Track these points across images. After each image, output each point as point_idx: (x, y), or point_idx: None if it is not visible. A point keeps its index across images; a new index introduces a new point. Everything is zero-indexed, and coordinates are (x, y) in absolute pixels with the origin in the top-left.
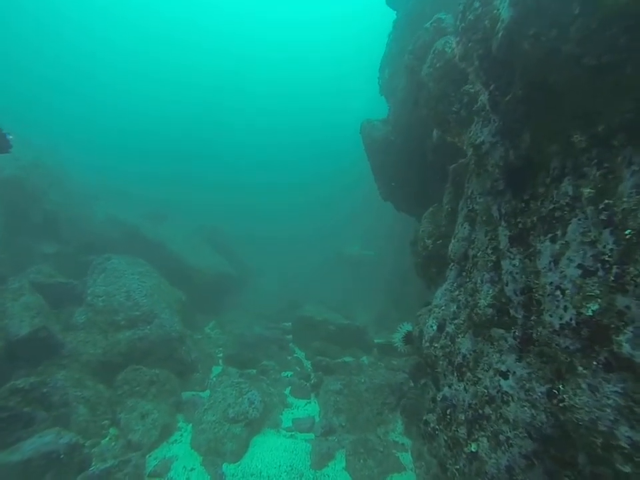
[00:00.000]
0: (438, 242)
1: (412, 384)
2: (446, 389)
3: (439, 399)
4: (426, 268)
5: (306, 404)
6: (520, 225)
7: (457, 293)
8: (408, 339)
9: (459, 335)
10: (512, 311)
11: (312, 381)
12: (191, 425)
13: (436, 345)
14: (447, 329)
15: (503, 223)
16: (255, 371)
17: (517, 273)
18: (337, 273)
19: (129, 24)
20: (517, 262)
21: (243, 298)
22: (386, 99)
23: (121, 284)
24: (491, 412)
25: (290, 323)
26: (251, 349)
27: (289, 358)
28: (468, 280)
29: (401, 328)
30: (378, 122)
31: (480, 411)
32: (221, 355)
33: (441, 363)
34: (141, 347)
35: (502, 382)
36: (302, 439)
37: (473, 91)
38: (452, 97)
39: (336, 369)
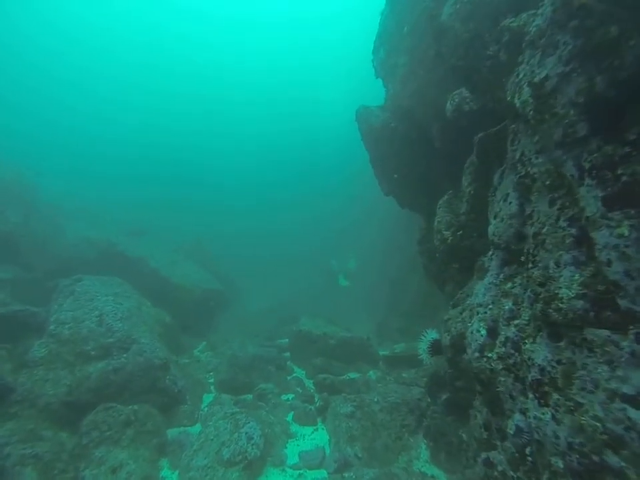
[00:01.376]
0: (458, 233)
1: (429, 399)
2: (517, 416)
3: (510, 432)
4: (445, 265)
5: (313, 432)
6: (624, 178)
7: (509, 285)
8: (435, 348)
9: (526, 341)
10: (623, 302)
11: (317, 404)
12: (177, 472)
13: (490, 356)
14: (504, 333)
15: (588, 181)
16: (251, 396)
17: (628, 246)
18: (328, 287)
19: (98, 44)
20: (625, 230)
21: (234, 316)
22: (383, 81)
23: (92, 307)
24: (621, 462)
25: (286, 340)
26: (245, 372)
27: (289, 378)
28: (531, 266)
29: (424, 336)
30: (375, 108)
31: (595, 458)
32: (212, 380)
33: (502, 379)
34: (116, 379)
35: (630, 412)
36: (312, 479)
37: (516, 24)
38: (486, 37)
39: (342, 387)
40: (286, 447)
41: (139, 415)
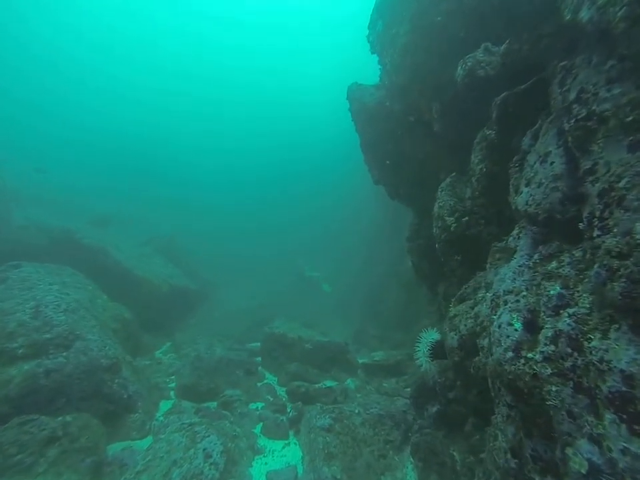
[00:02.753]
0: (463, 219)
1: (414, 412)
2: (585, 445)
3: (576, 468)
4: (446, 256)
5: (284, 447)
6: None
7: (553, 265)
8: (437, 351)
9: (591, 336)
10: None
11: (289, 414)
12: None
13: (531, 356)
14: (551, 325)
15: None
16: (215, 403)
17: None
18: (304, 293)
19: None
20: None
21: (205, 316)
22: (379, 57)
23: (28, 297)
24: None
25: (258, 344)
26: (210, 376)
27: (259, 385)
28: (598, 234)
29: (423, 337)
30: (369, 86)
31: None
32: (173, 385)
33: (554, 389)
34: (48, 384)
35: None
36: None
37: None
38: None
39: (317, 396)
40: (252, 466)
41: (70, 428)
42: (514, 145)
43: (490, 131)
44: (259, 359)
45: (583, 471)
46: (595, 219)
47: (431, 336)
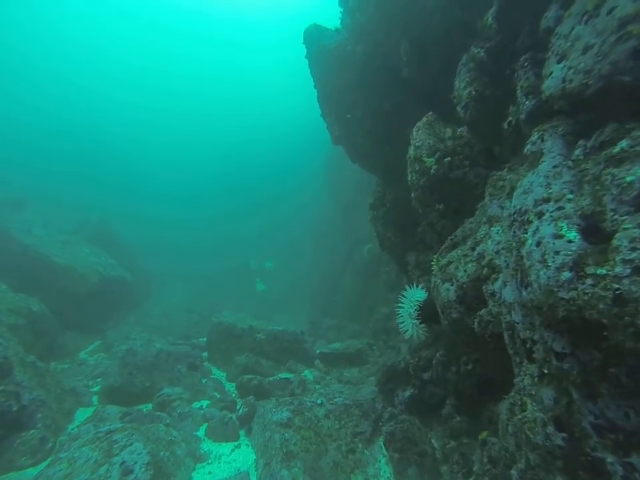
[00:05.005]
0: (445, 160)
1: (382, 399)
2: None
3: None
4: (424, 207)
5: (233, 450)
6: None
7: (623, 145)
8: (425, 313)
9: None
10: None
11: (240, 412)
12: None
13: (604, 273)
14: (636, 224)
15: None
16: (150, 405)
17: None
18: (251, 285)
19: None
20: None
21: (144, 312)
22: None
23: None
24: None
25: (205, 339)
26: (146, 374)
27: (204, 381)
28: None
29: (406, 296)
30: (330, 29)
31: None
32: (97, 388)
33: None
34: None
35: None
36: None
37: None
38: None
39: (272, 389)
40: (191, 477)
41: None
42: (519, 46)
43: (478, 49)
44: (206, 353)
45: None
46: None
47: (416, 294)
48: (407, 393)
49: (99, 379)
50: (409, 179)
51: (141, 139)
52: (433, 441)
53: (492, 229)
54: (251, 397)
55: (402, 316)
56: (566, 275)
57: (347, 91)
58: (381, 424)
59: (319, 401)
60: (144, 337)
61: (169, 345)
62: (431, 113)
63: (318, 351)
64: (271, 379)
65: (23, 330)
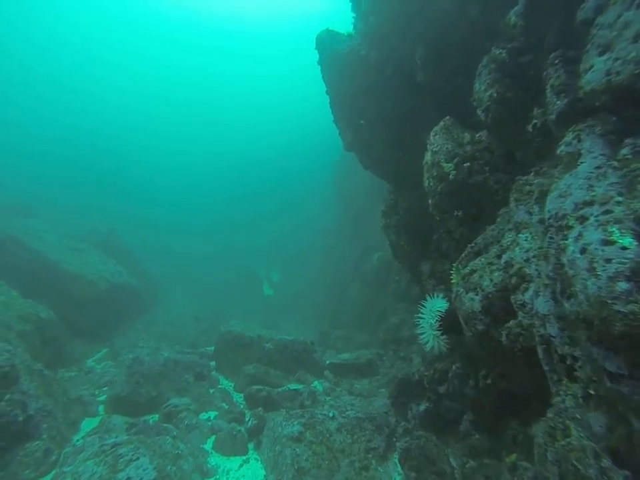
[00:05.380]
0: (464, 165)
1: (396, 413)
2: None
3: None
4: (442, 214)
5: (241, 464)
6: None
7: None
8: (448, 322)
9: None
10: None
11: (248, 424)
12: None
13: None
14: None
15: None
16: (157, 416)
17: None
18: (261, 295)
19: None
20: None
21: (153, 319)
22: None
23: None
24: None
25: (213, 348)
26: (153, 383)
27: (212, 391)
28: None
29: (427, 306)
30: (342, 34)
31: None
32: (103, 397)
33: None
34: None
35: None
36: None
37: None
38: None
39: (281, 401)
40: None
41: None
42: (548, 44)
43: (500, 50)
44: (213, 362)
45: None
46: None
47: (437, 304)
48: (422, 407)
49: (105, 388)
50: (426, 185)
51: (150, 147)
52: (451, 459)
53: (519, 235)
54: (260, 408)
55: (422, 327)
56: (622, 285)
57: (359, 97)
58: (394, 439)
59: (330, 414)
60: (151, 345)
61: (176, 354)
62: (448, 117)
63: (328, 362)
64: (280, 389)
65: (31, 337)
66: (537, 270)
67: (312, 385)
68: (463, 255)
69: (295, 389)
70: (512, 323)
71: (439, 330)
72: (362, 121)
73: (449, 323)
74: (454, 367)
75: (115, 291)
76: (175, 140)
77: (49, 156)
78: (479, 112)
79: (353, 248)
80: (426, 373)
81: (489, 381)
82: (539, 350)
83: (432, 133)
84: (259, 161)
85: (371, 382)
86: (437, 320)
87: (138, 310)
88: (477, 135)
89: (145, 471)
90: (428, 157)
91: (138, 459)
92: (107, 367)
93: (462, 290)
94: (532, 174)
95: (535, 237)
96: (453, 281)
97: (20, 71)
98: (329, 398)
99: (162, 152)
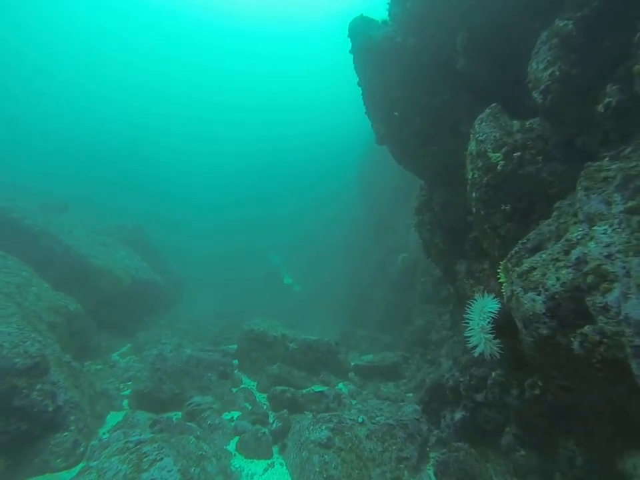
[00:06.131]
0: (514, 154)
1: (427, 420)
2: None
3: None
4: (487, 208)
5: (266, 469)
6: None
7: None
8: (501, 325)
9: None
10: None
11: (273, 426)
12: None
13: None
14: None
15: None
16: (180, 414)
17: None
18: (284, 295)
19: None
20: None
21: (176, 315)
22: None
23: None
24: None
25: (235, 346)
26: (175, 380)
27: (235, 390)
28: None
29: (476, 306)
30: (377, 21)
31: None
32: (127, 392)
33: None
34: None
35: None
36: None
37: None
38: None
39: (306, 403)
40: None
41: None
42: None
43: (565, 22)
44: (236, 361)
45: None
46: None
47: (488, 305)
48: (458, 416)
49: (129, 382)
50: (470, 176)
51: (175, 148)
52: (492, 476)
53: (594, 228)
54: (284, 410)
55: (472, 329)
56: None
57: (394, 87)
58: (427, 449)
59: (359, 419)
60: (174, 342)
61: (199, 351)
62: (494, 104)
63: (353, 363)
64: (304, 391)
65: (60, 328)
66: (623, 267)
67: (337, 387)
68: (513, 252)
69: (319, 391)
70: (588, 328)
71: (492, 333)
72: (396, 113)
73: (499, 326)
74: (494, 373)
75: (140, 286)
76: (198, 142)
77: (83, 160)
78: (534, 94)
79: (376, 249)
80: (461, 379)
81: (536, 391)
82: (633, 364)
83: (477, 121)
84: (282, 162)
85: (397, 385)
86: (488, 322)
87: (162, 306)
88: (528, 123)
89: (169, 472)
90: (472, 146)
91: (162, 459)
92: (131, 362)
93: (519, 289)
94: (607, 159)
95: (619, 230)
96: (501, 280)
97: (42, 79)
98: (355, 401)
99: (184, 154)
